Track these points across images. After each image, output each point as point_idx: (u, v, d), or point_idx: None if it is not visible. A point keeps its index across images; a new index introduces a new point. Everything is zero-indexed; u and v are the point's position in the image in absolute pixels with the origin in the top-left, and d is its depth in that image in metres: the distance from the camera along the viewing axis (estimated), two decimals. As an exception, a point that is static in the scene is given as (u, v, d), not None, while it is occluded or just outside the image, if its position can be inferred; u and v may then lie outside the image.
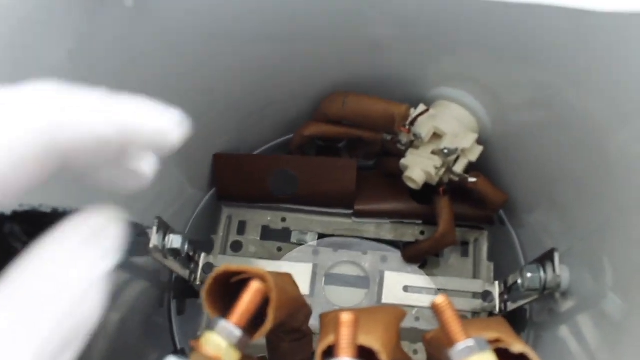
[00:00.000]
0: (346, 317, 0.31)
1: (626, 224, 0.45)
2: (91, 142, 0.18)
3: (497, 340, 0.36)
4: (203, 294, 0.37)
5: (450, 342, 0.31)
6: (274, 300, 0.37)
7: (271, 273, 0.39)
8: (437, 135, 0.57)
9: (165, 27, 0.45)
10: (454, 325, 0.31)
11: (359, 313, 0.41)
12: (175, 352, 0.62)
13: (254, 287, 0.32)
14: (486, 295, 0.60)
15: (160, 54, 0.47)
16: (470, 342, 0.30)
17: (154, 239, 0.51)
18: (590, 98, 0.46)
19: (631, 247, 0.45)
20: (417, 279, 0.60)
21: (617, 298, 0.46)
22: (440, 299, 0.31)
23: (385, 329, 0.37)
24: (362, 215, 0.63)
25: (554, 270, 0.52)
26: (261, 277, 0.37)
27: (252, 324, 0.37)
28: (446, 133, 0.56)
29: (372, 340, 0.35)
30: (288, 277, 0.47)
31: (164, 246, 0.52)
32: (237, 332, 0.31)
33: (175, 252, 0.53)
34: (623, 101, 0.43)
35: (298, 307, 0.44)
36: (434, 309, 0.32)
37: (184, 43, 0.48)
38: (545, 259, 0.53)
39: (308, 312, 0.49)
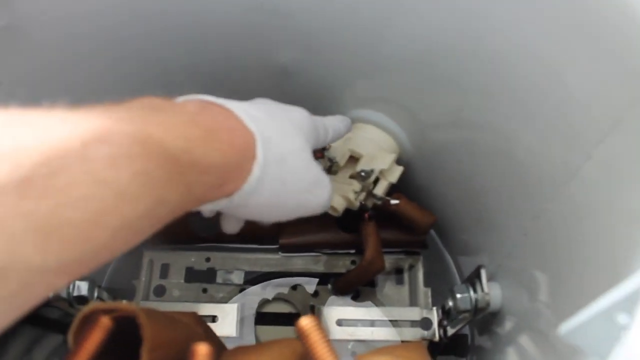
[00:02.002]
0: (201, 351, 0.28)
1: (544, 230, 0.43)
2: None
3: (388, 364, 0.33)
4: (69, 335, 0.33)
5: (317, 368, 0.28)
6: (148, 339, 0.34)
7: (150, 310, 0.37)
8: (354, 159, 0.54)
9: (44, 50, 0.43)
10: (322, 349, 0.28)
11: (249, 349, 0.37)
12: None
13: (100, 324, 0.29)
14: (425, 323, 0.56)
15: (39, 76, 0.45)
16: (336, 366, 0.27)
17: (54, 287, 0.48)
18: (497, 108, 0.45)
19: (554, 256, 0.43)
20: (351, 311, 0.57)
21: (552, 314, 0.44)
22: (305, 321, 0.29)
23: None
24: (288, 249, 0.60)
25: (482, 289, 0.49)
26: (131, 314, 0.34)
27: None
28: (362, 155, 0.53)
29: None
30: (187, 316, 0.44)
31: (68, 294, 0.49)
32: (73, 374, 0.27)
33: (82, 300, 0.50)
34: (521, 105, 0.42)
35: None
36: (299, 332, 0.29)
37: (65, 65, 0.46)
38: (474, 277, 0.50)
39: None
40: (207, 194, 0.30)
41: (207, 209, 0.33)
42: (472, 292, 0.50)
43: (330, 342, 0.28)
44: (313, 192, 0.38)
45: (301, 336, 0.29)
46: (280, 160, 0.34)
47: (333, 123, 0.46)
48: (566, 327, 0.28)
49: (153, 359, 0.35)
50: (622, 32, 0.31)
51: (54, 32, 0.43)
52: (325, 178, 0.40)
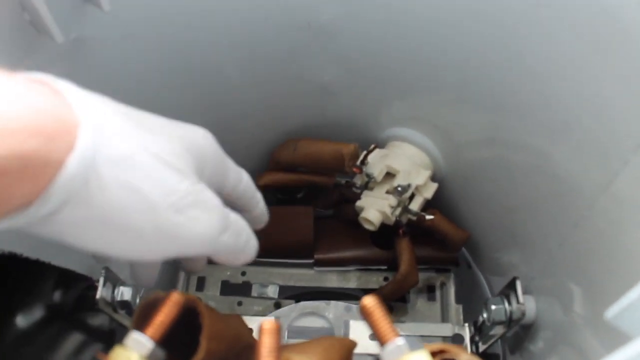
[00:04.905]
0: (267, 325, 0.29)
1: (582, 239, 0.44)
2: None
3: (442, 352, 0.34)
4: (132, 323, 0.35)
5: (382, 343, 0.29)
6: (206, 325, 0.35)
7: (207, 305, 0.38)
8: (390, 175, 0.56)
9: (106, 67, 0.46)
10: (384, 325, 0.30)
11: (303, 343, 0.39)
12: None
13: (172, 298, 0.31)
14: (457, 339, 0.57)
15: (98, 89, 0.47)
16: (400, 341, 0.29)
17: (101, 291, 0.49)
18: (533, 124, 0.47)
19: (591, 266, 0.44)
20: (384, 326, 0.57)
21: (587, 327, 0.44)
22: (367, 299, 0.30)
23: (325, 352, 0.36)
24: (323, 264, 0.61)
25: (517, 300, 0.50)
26: (192, 303, 0.36)
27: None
28: (399, 171, 0.55)
29: (305, 359, 0.34)
30: (234, 317, 0.45)
31: (113, 299, 0.50)
32: (149, 344, 0.29)
33: (126, 305, 0.51)
34: (557, 117, 0.44)
35: (242, 345, 0.42)
36: (362, 311, 0.30)
37: (127, 82, 0.49)
38: (509, 289, 0.51)
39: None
40: None
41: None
42: (506, 304, 0.51)
43: (392, 319, 0.30)
44: (185, 212, 0.27)
45: (364, 314, 0.30)
46: (129, 159, 0.25)
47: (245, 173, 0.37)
48: (612, 311, 0.29)
49: (210, 349, 0.36)
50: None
51: (115, 50, 0.46)
52: (212, 199, 0.29)
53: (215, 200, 0.29)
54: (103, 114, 0.24)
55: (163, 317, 0.30)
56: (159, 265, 0.35)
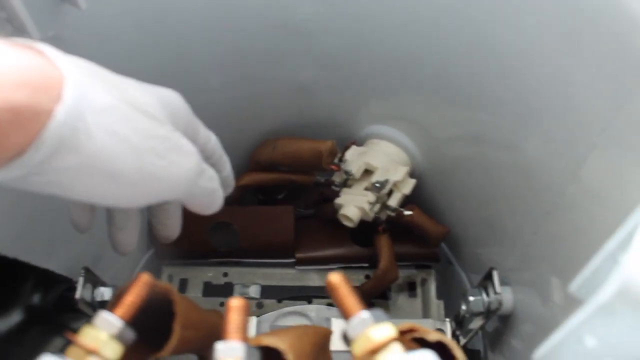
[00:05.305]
0: (235, 303, 0.30)
1: (554, 226, 0.45)
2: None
3: (411, 330, 0.34)
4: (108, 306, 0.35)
5: (347, 317, 0.30)
6: (180, 313, 0.36)
7: (182, 295, 0.38)
8: (368, 172, 0.57)
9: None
10: (350, 300, 0.30)
11: (278, 330, 0.39)
12: None
13: (141, 279, 0.31)
14: (439, 335, 0.57)
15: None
16: (365, 314, 0.29)
17: (80, 291, 0.49)
18: (505, 121, 0.48)
19: (565, 252, 0.44)
20: (366, 323, 0.58)
21: (565, 318, 0.45)
22: (333, 277, 0.30)
23: (297, 337, 0.36)
24: (304, 263, 0.62)
25: (494, 291, 0.50)
26: (166, 291, 0.36)
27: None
28: (377, 167, 0.56)
29: (278, 341, 0.34)
30: (212, 311, 0.45)
31: (93, 299, 0.50)
32: (118, 323, 0.29)
33: (106, 306, 0.51)
34: (524, 115, 0.45)
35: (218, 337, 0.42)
36: (328, 287, 0.30)
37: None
38: (486, 280, 0.51)
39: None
40: None
41: None
42: (484, 295, 0.51)
43: (358, 294, 0.30)
44: (166, 156, 0.29)
45: (330, 290, 0.30)
46: (111, 109, 0.27)
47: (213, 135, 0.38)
48: (574, 284, 0.30)
49: (184, 337, 0.36)
50: (621, 31, 0.34)
51: (93, 48, 0.46)
52: (188, 145, 0.31)
53: (191, 146, 0.31)
54: (82, 70, 0.26)
55: (133, 297, 0.30)
56: (138, 230, 0.37)
